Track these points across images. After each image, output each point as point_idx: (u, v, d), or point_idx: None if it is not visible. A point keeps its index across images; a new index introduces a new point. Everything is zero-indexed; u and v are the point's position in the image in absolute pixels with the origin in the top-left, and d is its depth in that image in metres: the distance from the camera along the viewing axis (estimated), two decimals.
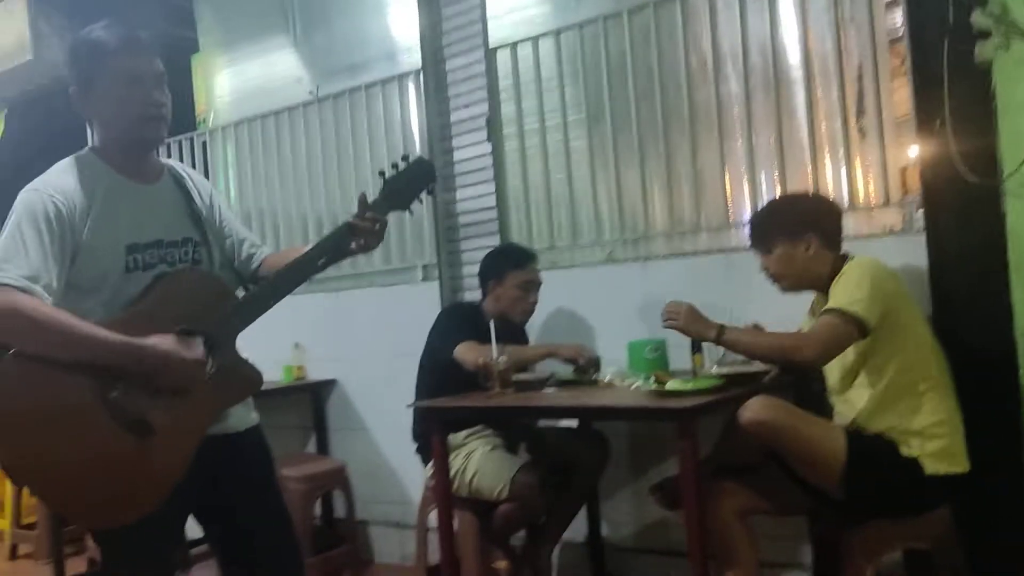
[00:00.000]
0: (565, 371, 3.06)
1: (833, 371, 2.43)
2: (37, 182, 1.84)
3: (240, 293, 2.04)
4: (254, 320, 1.92)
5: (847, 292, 2.29)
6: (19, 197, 1.81)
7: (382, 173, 2.04)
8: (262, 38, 4.46)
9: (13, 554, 4.74)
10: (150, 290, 1.86)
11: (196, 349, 1.80)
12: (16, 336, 1.72)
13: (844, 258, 2.43)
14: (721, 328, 2.42)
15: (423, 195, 2.08)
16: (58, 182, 1.83)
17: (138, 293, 1.86)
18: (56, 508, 1.82)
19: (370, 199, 2.04)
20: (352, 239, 1.98)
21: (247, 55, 4.52)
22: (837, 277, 2.36)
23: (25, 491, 4.72)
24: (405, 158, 2.06)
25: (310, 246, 2.00)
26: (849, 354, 2.33)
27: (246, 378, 1.98)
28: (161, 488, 1.80)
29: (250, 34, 4.52)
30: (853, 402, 2.37)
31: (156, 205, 1.96)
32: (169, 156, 4.87)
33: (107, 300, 1.83)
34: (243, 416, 2.03)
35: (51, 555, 4.15)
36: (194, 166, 4.70)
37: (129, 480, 1.78)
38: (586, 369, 3.00)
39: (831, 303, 2.31)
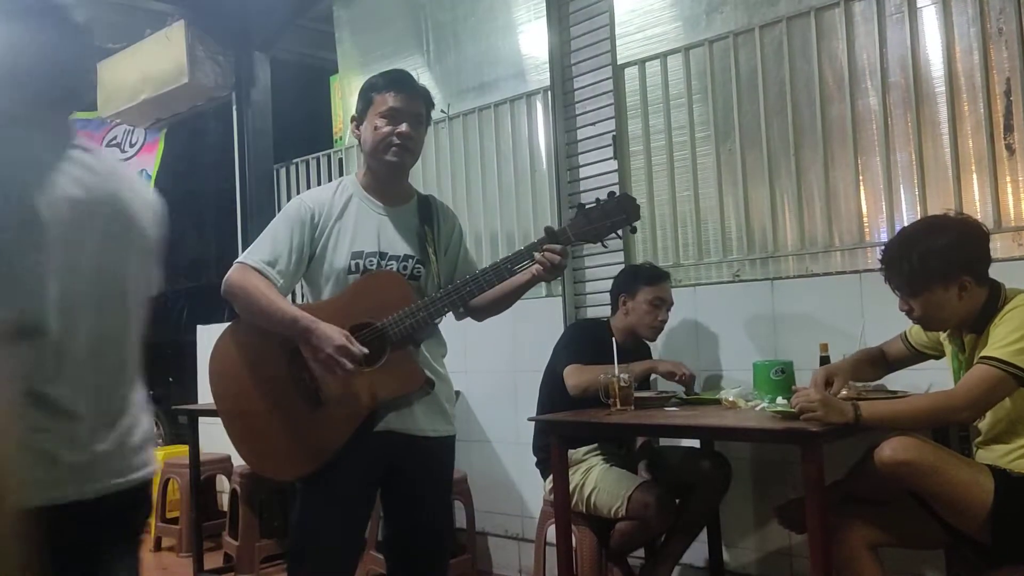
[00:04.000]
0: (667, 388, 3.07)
1: (983, 419, 2.26)
2: (305, 193, 2.34)
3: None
4: (428, 324, 2.18)
5: (1011, 338, 2.10)
6: (289, 203, 2.30)
7: (581, 205, 2.19)
8: (397, 59, 4.63)
9: (157, 546, 5.02)
10: (349, 286, 2.19)
11: (354, 346, 2.06)
12: (240, 304, 2.16)
13: (998, 289, 2.24)
14: (856, 407, 2.19)
15: (622, 231, 2.22)
16: (317, 195, 2.30)
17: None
18: (236, 446, 2.18)
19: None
20: (532, 263, 2.14)
21: None
22: (1000, 315, 2.18)
23: (170, 487, 5.02)
24: (611, 194, 2.19)
25: (489, 265, 2.20)
26: (1005, 403, 2.17)
27: (407, 375, 2.18)
28: (319, 455, 2.12)
29: (386, 55, 4.69)
30: (1001, 449, 2.22)
31: (390, 224, 2.27)
32: (307, 172, 5.13)
33: (329, 294, 2.22)
34: (435, 424, 2.27)
35: (191, 549, 4.40)
36: (330, 181, 4.90)
37: (295, 441, 2.13)
38: (687, 386, 3.05)
39: (991, 348, 2.13)
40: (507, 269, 2.14)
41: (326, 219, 2.22)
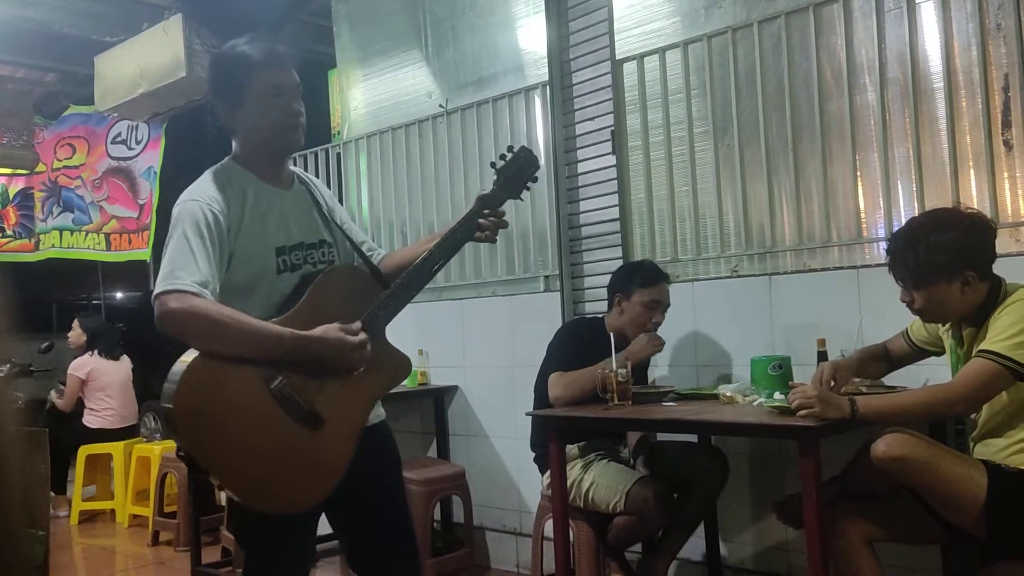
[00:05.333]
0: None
1: (980, 413, 2.27)
2: (194, 192, 1.99)
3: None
4: (400, 310, 2.05)
5: (1009, 332, 2.11)
6: (179, 207, 1.96)
7: (493, 164, 2.15)
8: (395, 54, 4.63)
9: (155, 540, 5.04)
10: (304, 289, 2.00)
11: (358, 333, 1.94)
12: (200, 337, 1.85)
13: (998, 284, 2.24)
14: (853, 402, 2.20)
15: (530, 183, 2.17)
16: (211, 191, 1.98)
17: (290, 292, 2.01)
18: (238, 494, 1.90)
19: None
20: (476, 231, 2.09)
21: (381, 70, 4.69)
22: (1000, 309, 2.18)
23: (168, 481, 5.02)
24: (510, 148, 2.17)
25: (435, 241, 2.11)
26: (1002, 397, 2.18)
27: (397, 363, 2.11)
28: (333, 473, 1.94)
29: (384, 50, 4.69)
30: (997, 443, 2.23)
31: (295, 209, 2.11)
32: (305, 167, 5.11)
33: (261, 300, 1.99)
34: (377, 409, 2.16)
35: (189, 543, 4.40)
36: (328, 176, 4.91)
37: (306, 468, 1.93)
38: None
39: (989, 342, 2.14)
40: (459, 241, 2.10)
41: (234, 218, 1.97)
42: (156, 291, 1.86)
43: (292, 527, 1.99)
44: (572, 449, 3.06)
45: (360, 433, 2.00)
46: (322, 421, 1.91)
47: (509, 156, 2.15)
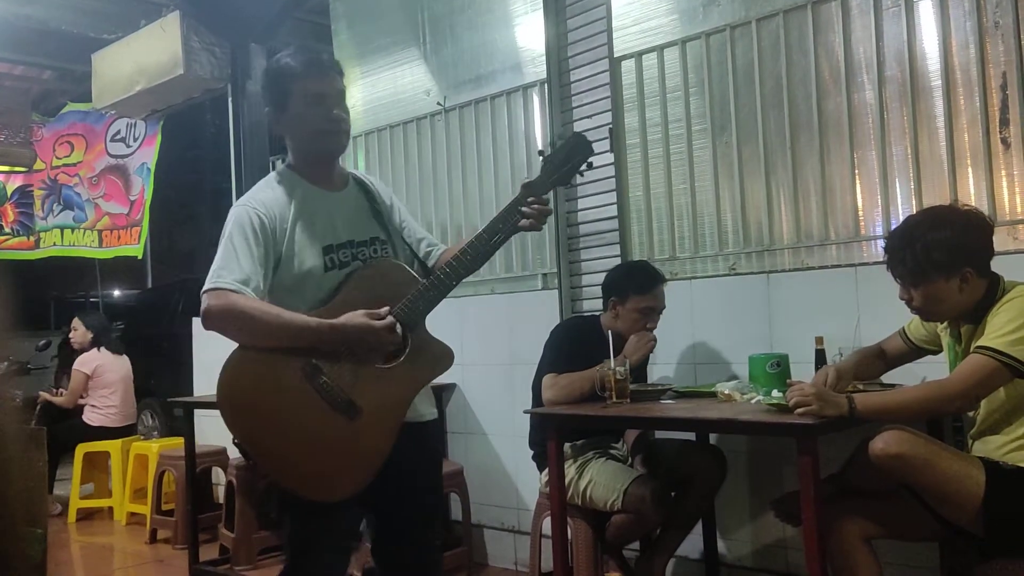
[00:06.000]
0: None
1: (978, 411, 2.27)
2: (244, 198, 2.14)
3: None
4: (439, 301, 2.12)
5: (1007, 328, 2.11)
6: (231, 212, 2.11)
7: (541, 152, 2.19)
8: (394, 52, 4.62)
9: (153, 538, 5.04)
10: (345, 283, 2.09)
11: (385, 317, 2.01)
12: (236, 331, 1.99)
13: (997, 281, 2.25)
14: (851, 400, 2.20)
15: (583, 168, 2.18)
16: (261, 196, 2.12)
17: (334, 288, 2.09)
18: (280, 480, 2.01)
19: (497, 209, 2.18)
20: (520, 219, 2.11)
21: (379, 68, 4.68)
22: (998, 306, 2.19)
23: (165, 479, 5.02)
24: (562, 136, 2.17)
25: (479, 231, 2.14)
26: (1000, 394, 2.19)
27: (438, 354, 2.16)
28: (371, 463, 2.01)
29: (382, 48, 4.68)
30: (996, 441, 2.23)
31: (345, 209, 2.18)
32: None
33: (310, 296, 2.08)
34: (429, 407, 2.22)
35: (187, 541, 4.40)
36: None
37: (344, 456, 2.00)
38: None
39: (987, 338, 2.14)
40: (501, 230, 2.11)
41: (280, 220, 2.07)
42: (202, 291, 2.00)
43: (333, 516, 2.05)
44: (567, 447, 3.06)
45: (400, 424, 2.05)
46: (359, 411, 1.99)
47: (559, 143, 2.19)
